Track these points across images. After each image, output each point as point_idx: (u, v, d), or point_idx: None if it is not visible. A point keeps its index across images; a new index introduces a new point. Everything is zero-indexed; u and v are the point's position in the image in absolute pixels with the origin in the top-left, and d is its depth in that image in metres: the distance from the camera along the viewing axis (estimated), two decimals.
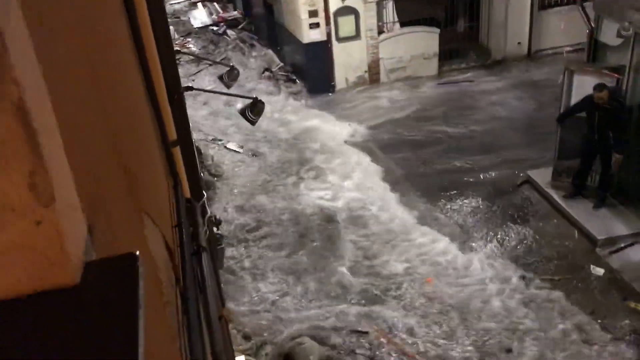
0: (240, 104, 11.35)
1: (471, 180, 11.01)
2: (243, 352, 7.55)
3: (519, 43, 16.47)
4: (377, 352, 7.56)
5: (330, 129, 13.61)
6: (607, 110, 8.59)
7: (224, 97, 13.30)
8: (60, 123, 0.84)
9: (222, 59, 17.48)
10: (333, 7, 14.90)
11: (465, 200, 10.43)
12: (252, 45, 18.83)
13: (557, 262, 8.79)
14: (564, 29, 15.54)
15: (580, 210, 9.40)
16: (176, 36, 19.32)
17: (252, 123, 8.10)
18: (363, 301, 8.45)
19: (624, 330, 7.54)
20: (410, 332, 7.83)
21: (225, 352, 3.84)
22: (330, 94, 15.62)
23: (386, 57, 15.73)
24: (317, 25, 15.07)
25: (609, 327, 7.60)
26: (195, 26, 20.92)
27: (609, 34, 9.16)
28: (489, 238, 9.44)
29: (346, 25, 15.17)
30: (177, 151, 3.75)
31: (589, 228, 9.03)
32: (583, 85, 9.02)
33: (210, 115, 14.46)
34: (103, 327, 0.78)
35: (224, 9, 21.98)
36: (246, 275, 9.12)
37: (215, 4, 22.27)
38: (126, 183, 1.63)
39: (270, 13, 18.08)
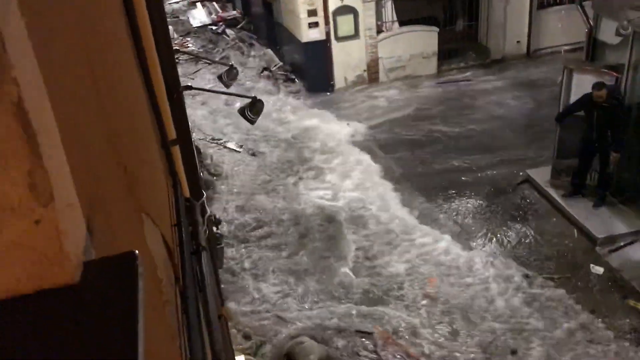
0: (239, 103, 11.36)
1: (470, 179, 11.02)
2: (243, 351, 7.55)
3: (518, 42, 16.48)
4: (382, 354, 7.53)
5: (330, 129, 13.61)
6: (605, 109, 8.60)
7: (223, 97, 13.30)
8: (59, 123, 0.84)
9: (221, 58, 17.49)
10: (332, 7, 14.90)
11: (464, 200, 10.43)
12: (251, 45, 18.84)
13: (557, 261, 8.80)
14: (565, 26, 15.54)
15: (580, 209, 9.40)
16: (175, 35, 19.32)
17: (252, 122, 8.10)
18: (366, 302, 8.41)
19: (624, 329, 7.55)
20: (414, 332, 7.80)
21: (225, 351, 3.85)
22: (329, 93, 15.62)
23: (385, 57, 15.73)
24: (316, 24, 15.07)
25: (610, 325, 7.60)
26: (194, 25, 20.93)
27: (607, 33, 9.17)
28: (489, 237, 9.44)
29: (345, 24, 15.17)
30: (176, 150, 3.75)
31: (588, 227, 9.03)
32: (582, 84, 9.03)
33: (209, 115, 14.46)
34: (103, 326, 0.78)
35: (223, 8, 21.98)
36: (247, 276, 9.10)
37: (214, 3, 22.27)
38: (125, 182, 1.63)
39: (269, 12, 18.08)
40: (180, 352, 1.99)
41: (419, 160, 11.98)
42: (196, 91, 13.19)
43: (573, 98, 9.33)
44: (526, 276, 8.51)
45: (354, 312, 8.20)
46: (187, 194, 4.16)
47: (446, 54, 16.37)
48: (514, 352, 7.40)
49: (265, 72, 16.82)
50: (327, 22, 15.07)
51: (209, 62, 16.41)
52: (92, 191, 1.08)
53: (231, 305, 8.34)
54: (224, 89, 9.14)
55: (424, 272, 8.83)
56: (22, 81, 0.71)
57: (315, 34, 15.17)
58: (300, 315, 8.23)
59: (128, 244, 1.41)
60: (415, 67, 15.95)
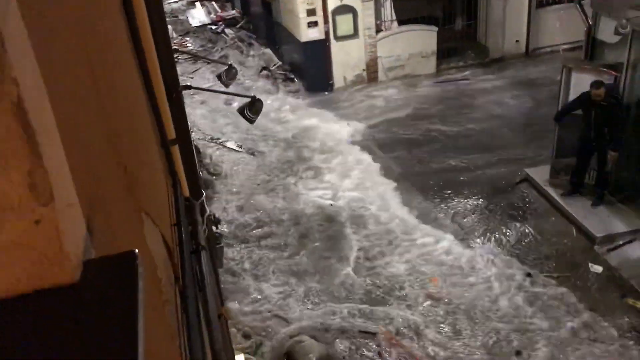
0: (237, 103, 11.36)
1: (469, 179, 11.01)
2: (242, 350, 7.55)
3: (517, 41, 16.48)
4: (385, 355, 7.50)
5: (329, 128, 13.60)
6: (603, 108, 8.60)
7: (223, 96, 13.29)
8: (59, 122, 0.84)
9: (220, 57, 17.50)
10: (331, 6, 14.90)
11: (464, 199, 10.42)
12: (250, 44, 18.84)
13: (557, 260, 8.80)
14: (564, 25, 15.54)
15: (579, 208, 9.41)
16: (174, 35, 19.32)
17: (251, 122, 8.10)
18: (368, 302, 8.38)
19: (624, 327, 7.55)
20: (418, 333, 7.76)
21: (225, 350, 3.85)
22: (328, 93, 15.62)
23: (384, 56, 15.73)
24: (315, 24, 15.06)
25: (614, 324, 7.60)
26: (193, 25, 20.92)
27: (606, 32, 9.17)
28: (489, 236, 9.43)
29: (344, 23, 15.17)
30: (175, 150, 3.76)
31: (587, 226, 9.04)
32: (581, 83, 9.03)
33: (208, 114, 14.46)
34: (102, 325, 0.79)
35: (222, 8, 21.98)
36: (247, 276, 9.07)
37: (213, 3, 22.27)
38: (125, 182, 1.63)
39: (269, 12, 18.08)
40: (180, 352, 2.00)
41: (418, 159, 11.97)
42: (195, 90, 13.20)
43: (572, 97, 9.34)
44: (528, 275, 8.51)
45: (356, 312, 8.16)
46: (186, 193, 4.16)
47: (445, 53, 16.37)
48: (518, 353, 7.35)
49: (264, 72, 16.82)
50: (326, 22, 15.07)
51: (208, 61, 16.41)
52: (92, 191, 1.08)
53: (232, 305, 8.33)
54: (223, 89, 9.14)
55: (426, 272, 8.79)
56: (22, 81, 0.71)
57: (315, 34, 15.17)
58: (302, 315, 8.20)
59: (128, 244, 1.41)
60: (415, 66, 15.96)
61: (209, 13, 21.50)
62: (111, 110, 1.65)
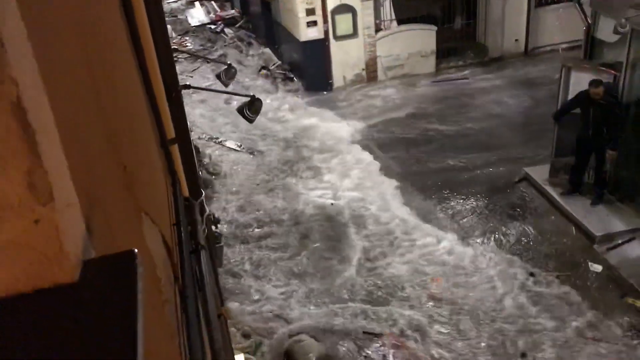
0: (236, 102, 11.34)
1: (468, 178, 11.00)
2: (242, 350, 7.55)
3: (516, 40, 16.49)
4: (390, 357, 7.43)
5: (328, 127, 13.60)
6: (602, 106, 8.61)
7: (222, 95, 13.29)
8: (58, 122, 0.84)
9: (220, 56, 17.50)
10: (330, 5, 14.90)
11: (463, 199, 10.41)
12: (249, 44, 18.84)
13: (557, 259, 8.79)
14: (563, 24, 15.54)
15: (578, 207, 9.41)
16: (174, 35, 19.32)
17: (250, 121, 8.10)
18: (370, 303, 8.32)
19: (624, 327, 7.54)
20: (422, 334, 7.70)
21: (225, 350, 3.85)
22: (327, 92, 15.62)
23: (384, 55, 15.74)
24: (314, 23, 15.07)
25: (617, 323, 7.58)
26: (192, 25, 20.92)
27: (605, 31, 9.17)
28: (490, 236, 9.40)
29: (343, 23, 15.17)
30: (175, 149, 3.75)
31: (586, 225, 9.04)
32: (580, 82, 9.03)
33: (208, 113, 14.45)
34: (102, 325, 0.79)
35: (222, 7, 21.98)
36: (248, 277, 9.03)
37: (212, 2, 22.26)
38: (124, 181, 1.63)
39: (268, 11, 18.08)
40: (180, 351, 2.00)
41: (418, 159, 11.97)
42: (194, 89, 13.18)
43: (571, 96, 9.34)
44: (531, 274, 8.49)
45: (359, 313, 8.11)
46: (186, 193, 4.16)
47: (444, 53, 16.38)
48: (523, 355, 7.29)
49: (264, 71, 16.83)
50: (325, 21, 15.08)
51: (207, 60, 16.41)
52: (91, 191, 1.08)
53: (233, 306, 8.30)
54: (223, 88, 9.15)
55: (428, 272, 8.74)
56: (21, 81, 0.71)
57: (314, 33, 15.18)
58: (304, 316, 8.15)
59: (127, 243, 1.41)
60: (414, 65, 15.96)
61: (208, 12, 21.49)
62: (111, 110, 1.65)
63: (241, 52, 18.27)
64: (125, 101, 2.20)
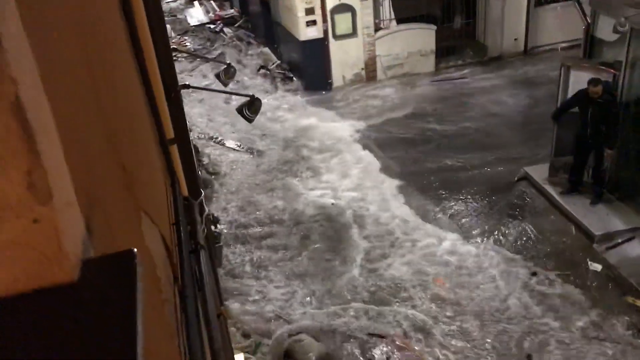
0: (235, 101, 11.33)
1: (467, 178, 11.00)
2: (242, 349, 7.55)
3: (515, 39, 16.49)
4: (395, 358, 7.37)
5: (328, 127, 13.60)
6: (600, 105, 8.61)
7: (222, 95, 13.28)
8: (58, 121, 0.84)
9: (219, 54, 17.50)
10: (330, 5, 14.90)
11: (463, 198, 10.41)
12: (248, 43, 18.84)
13: (556, 259, 8.79)
14: (563, 23, 15.53)
15: (578, 206, 9.41)
16: (173, 34, 19.31)
17: (250, 121, 8.10)
18: (373, 304, 8.27)
19: (626, 326, 7.53)
20: (426, 336, 7.66)
21: (224, 350, 3.85)
22: (327, 92, 15.62)
23: (383, 54, 15.74)
24: (313, 22, 15.07)
25: (623, 323, 7.56)
26: (191, 24, 20.92)
27: (605, 30, 9.17)
28: (491, 236, 9.39)
29: (343, 22, 15.17)
30: (174, 149, 3.75)
31: (586, 224, 9.04)
32: (579, 81, 9.03)
33: (207, 113, 14.44)
34: (101, 324, 0.79)
35: (221, 7, 21.97)
36: (249, 278, 9.00)
37: (211, 2, 22.25)
38: (124, 181, 1.63)
39: (267, 11, 18.07)
40: (179, 351, 2.00)
41: (417, 159, 11.96)
42: (193, 89, 13.17)
43: (570, 95, 9.34)
44: (533, 274, 8.49)
45: (362, 314, 8.07)
46: (185, 192, 4.16)
47: (444, 52, 16.38)
48: (529, 357, 7.25)
49: (262, 70, 16.82)
50: (324, 21, 15.08)
51: (206, 60, 16.41)
52: (91, 190, 1.08)
53: (234, 306, 8.28)
54: (222, 88, 9.15)
55: (430, 273, 8.71)
56: (21, 80, 0.71)
57: (313, 32, 15.17)
58: (306, 317, 8.12)
59: (127, 243, 1.41)
60: (413, 64, 15.96)
61: (208, 12, 21.49)
62: (110, 110, 1.65)
63: (240, 51, 18.26)
64: (125, 101, 2.20)
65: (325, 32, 15.19)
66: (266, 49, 18.25)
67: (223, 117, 14.11)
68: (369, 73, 15.87)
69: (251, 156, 12.62)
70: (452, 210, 10.16)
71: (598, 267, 8.46)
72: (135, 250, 0.90)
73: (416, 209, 10.28)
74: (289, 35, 16.18)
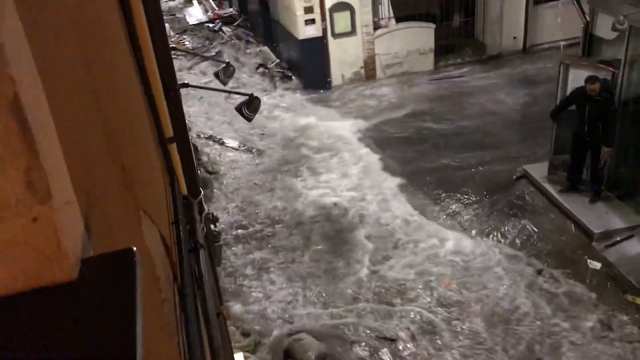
0: (235, 100, 11.32)
1: (468, 177, 10.99)
2: (242, 349, 7.55)
3: (514, 38, 16.49)
4: None
5: (327, 126, 13.59)
6: (598, 103, 8.62)
7: (220, 93, 13.27)
8: (56, 120, 0.84)
9: (217, 52, 17.49)
10: (328, 3, 14.89)
11: (463, 197, 10.39)
12: (247, 42, 18.83)
13: (556, 257, 8.79)
14: (562, 21, 15.54)
15: (577, 204, 9.41)
16: (172, 33, 19.31)
17: (249, 120, 8.09)
18: (378, 306, 8.17)
19: (631, 324, 7.52)
20: (434, 337, 7.56)
21: (224, 349, 3.85)
22: (325, 91, 15.61)
23: (382, 53, 15.74)
24: (312, 21, 15.06)
25: (630, 321, 7.54)
26: (190, 23, 20.92)
27: (604, 28, 9.17)
28: (493, 235, 9.34)
29: (342, 21, 15.16)
30: (173, 148, 3.75)
31: (585, 222, 9.05)
32: (578, 80, 9.03)
33: (206, 112, 14.44)
34: (101, 323, 0.78)
35: (220, 6, 21.98)
36: (248, 278, 8.96)
37: (210, 1, 22.25)
38: (123, 180, 1.63)
39: (266, 10, 18.07)
40: (179, 350, 2.00)
41: (417, 158, 11.94)
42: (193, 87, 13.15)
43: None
44: (539, 272, 8.46)
45: (367, 316, 7.99)
46: (184, 191, 4.16)
47: (443, 50, 16.38)
48: None
49: (261, 69, 16.82)
50: (323, 19, 15.07)
51: (205, 58, 16.41)
52: (90, 189, 1.08)
53: (235, 307, 8.25)
54: (221, 87, 9.15)
55: (436, 273, 8.62)
56: (18, 78, 0.71)
57: (312, 31, 15.16)
58: (309, 318, 8.07)
59: (126, 242, 1.41)
60: (412, 63, 15.96)
61: (206, 11, 21.49)
62: (109, 109, 1.65)
63: (239, 50, 18.26)
64: (124, 100, 2.20)
65: (324, 30, 15.18)
66: (265, 48, 18.24)
67: (222, 115, 14.10)
68: (368, 72, 15.87)
69: (251, 155, 12.62)
70: (453, 210, 10.13)
71: (597, 265, 8.46)
72: (135, 249, 0.90)
73: (418, 208, 10.24)
74: (287, 34, 16.17)
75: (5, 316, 0.76)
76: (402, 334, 7.66)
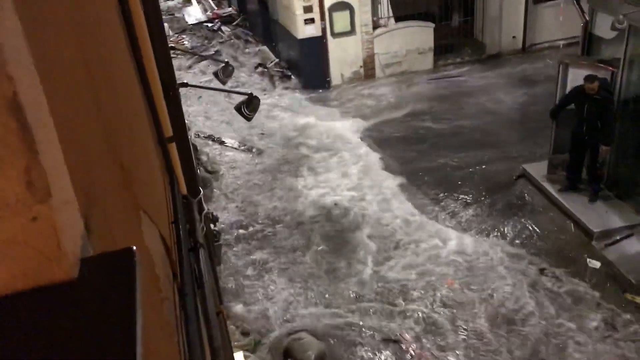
0: (234, 99, 11.30)
1: (467, 176, 10.98)
2: (241, 348, 7.55)
3: (513, 37, 16.50)
4: None
5: (326, 125, 13.59)
6: (597, 102, 8.62)
7: (220, 93, 13.26)
8: (55, 119, 0.84)
9: (215, 52, 17.49)
10: (328, 3, 14.89)
11: (463, 197, 10.38)
12: (247, 42, 18.83)
13: (556, 256, 8.78)
14: (562, 20, 15.53)
15: (576, 203, 9.42)
16: (171, 33, 19.31)
17: (248, 119, 8.09)
18: (380, 307, 8.11)
19: (633, 322, 7.51)
20: (438, 339, 7.52)
21: (224, 348, 3.85)
22: (325, 90, 15.60)
23: (381, 52, 15.74)
24: (312, 20, 15.06)
25: (634, 320, 7.52)
26: (189, 23, 20.91)
27: (603, 27, 9.17)
28: (493, 234, 9.32)
29: (341, 20, 15.16)
30: (173, 147, 3.75)
31: (584, 221, 9.05)
32: (578, 79, 9.03)
33: (205, 111, 14.44)
34: (100, 323, 0.78)
35: (219, 5, 21.97)
36: (249, 278, 8.95)
37: (209, 0, 22.24)
38: (123, 179, 1.63)
39: (265, 9, 18.06)
40: (179, 349, 1.99)
41: (417, 157, 11.94)
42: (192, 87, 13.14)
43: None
44: (542, 271, 8.45)
45: (370, 316, 7.96)
46: (184, 191, 4.16)
47: (442, 50, 16.38)
48: None
49: (260, 69, 16.81)
50: (322, 19, 15.07)
51: (204, 58, 16.41)
52: (89, 189, 1.07)
53: (236, 307, 8.24)
54: (220, 86, 9.14)
55: (438, 273, 8.59)
56: (18, 78, 0.71)
57: (311, 31, 15.16)
58: (311, 319, 8.03)
59: (126, 241, 1.41)
60: (412, 62, 15.96)
61: (205, 11, 21.49)
62: (109, 108, 1.65)
63: (238, 49, 18.25)
64: (124, 100, 2.20)
65: (324, 30, 15.18)
66: (264, 47, 18.24)
67: (221, 115, 14.10)
68: (368, 71, 15.87)
69: (250, 154, 12.61)
70: (453, 209, 10.12)
71: (597, 264, 8.47)
72: (135, 248, 0.90)
73: (417, 208, 10.24)
74: (287, 34, 16.17)
75: (5, 316, 0.76)
76: (406, 335, 7.62)
